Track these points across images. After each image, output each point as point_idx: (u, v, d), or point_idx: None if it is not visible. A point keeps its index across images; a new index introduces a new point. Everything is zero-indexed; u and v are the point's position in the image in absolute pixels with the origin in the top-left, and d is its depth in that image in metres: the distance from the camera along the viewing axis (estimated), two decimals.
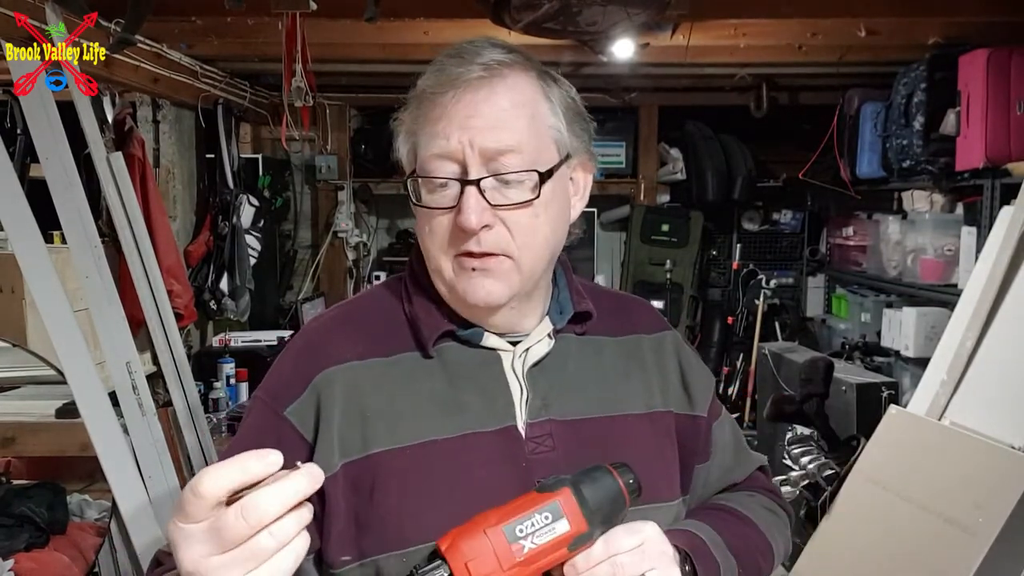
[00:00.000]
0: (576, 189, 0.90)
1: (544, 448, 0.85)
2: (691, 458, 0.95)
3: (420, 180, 0.84)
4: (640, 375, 0.94)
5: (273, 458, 0.60)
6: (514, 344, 0.89)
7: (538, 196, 0.82)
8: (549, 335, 0.90)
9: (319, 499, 0.81)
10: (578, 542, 0.74)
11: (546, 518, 0.73)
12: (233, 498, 0.59)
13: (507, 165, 0.81)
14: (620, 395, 0.92)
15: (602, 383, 0.91)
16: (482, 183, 0.80)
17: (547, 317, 0.92)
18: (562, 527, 0.73)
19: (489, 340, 0.88)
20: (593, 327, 0.94)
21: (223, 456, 0.81)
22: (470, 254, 0.82)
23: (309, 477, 0.60)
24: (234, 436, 0.90)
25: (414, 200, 0.85)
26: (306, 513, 0.61)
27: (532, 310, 0.90)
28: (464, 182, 0.80)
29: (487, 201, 0.80)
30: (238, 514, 0.58)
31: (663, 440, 0.93)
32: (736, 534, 0.92)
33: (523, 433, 0.86)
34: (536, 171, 0.81)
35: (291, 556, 0.60)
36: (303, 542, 0.61)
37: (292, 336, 0.97)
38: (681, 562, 0.82)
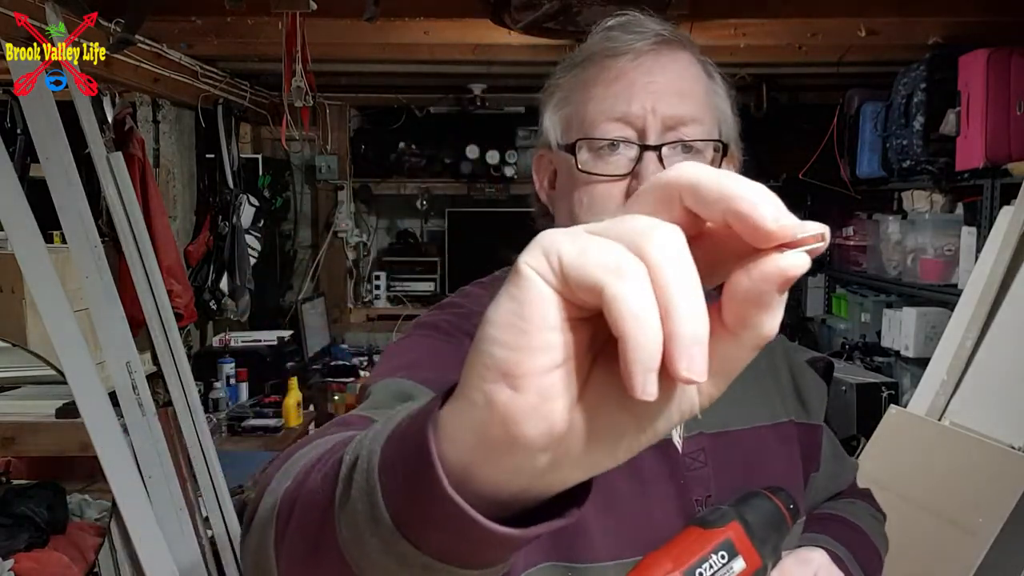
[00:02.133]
0: None
1: (698, 464, 0.80)
2: (808, 468, 0.91)
3: (588, 143, 0.77)
4: (760, 382, 0.88)
5: None
6: None
7: (719, 167, 0.76)
8: None
9: None
10: None
11: (722, 558, 0.67)
12: None
13: (688, 134, 0.77)
14: (750, 405, 0.86)
15: (734, 392, 0.81)
16: (663, 150, 0.75)
17: None
18: (739, 566, 0.68)
19: None
20: None
21: (404, 353, 0.77)
22: None
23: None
24: (414, 336, 0.82)
25: (579, 167, 0.78)
26: None
27: None
28: (644, 147, 0.76)
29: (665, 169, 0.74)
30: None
31: (790, 451, 0.88)
32: (858, 545, 0.89)
33: (680, 448, 0.80)
34: (721, 141, 0.78)
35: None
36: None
37: (457, 293, 0.88)
38: None
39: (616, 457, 0.36)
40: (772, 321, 0.33)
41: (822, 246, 0.35)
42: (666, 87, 0.76)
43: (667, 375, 0.30)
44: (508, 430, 0.32)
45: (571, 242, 0.32)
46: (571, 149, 0.78)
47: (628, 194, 0.76)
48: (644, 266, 0.31)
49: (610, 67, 0.77)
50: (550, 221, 0.86)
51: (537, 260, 0.32)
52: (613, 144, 0.76)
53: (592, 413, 0.34)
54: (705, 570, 0.67)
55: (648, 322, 0.30)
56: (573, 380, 0.33)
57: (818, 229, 0.35)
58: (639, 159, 0.75)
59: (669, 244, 0.32)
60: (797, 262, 0.33)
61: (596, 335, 0.33)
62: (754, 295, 0.32)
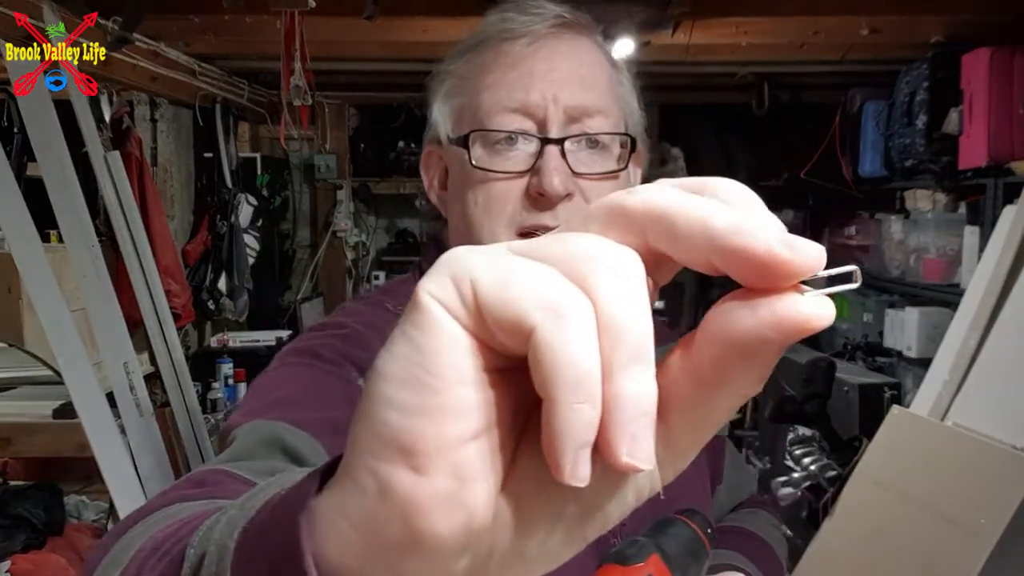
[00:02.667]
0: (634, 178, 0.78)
1: None
2: (714, 482, 0.87)
3: (483, 136, 0.69)
4: None
5: None
6: None
7: (625, 167, 0.71)
8: None
9: None
10: None
11: None
12: None
13: (592, 127, 0.69)
14: None
15: None
16: (565, 144, 0.68)
17: None
18: None
19: None
20: None
21: (299, 410, 0.64)
22: (537, 232, 0.67)
23: None
24: (284, 372, 0.74)
25: (473, 163, 0.70)
26: None
27: None
28: (546, 140, 0.68)
29: (570, 167, 0.68)
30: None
31: (699, 468, 0.82)
32: (764, 559, 0.85)
33: None
34: (628, 135, 0.71)
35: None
36: None
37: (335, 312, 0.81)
38: None
39: (557, 556, 0.28)
40: (760, 381, 0.25)
41: (853, 286, 0.27)
42: (568, 74, 0.69)
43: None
44: (411, 526, 0.24)
45: (491, 266, 0.24)
46: (464, 143, 0.70)
47: (528, 193, 0.68)
48: (588, 303, 0.23)
49: (507, 52, 0.70)
50: (442, 225, 0.79)
51: (444, 289, 0.24)
52: (511, 137, 0.69)
53: (524, 499, 0.25)
54: None
55: (586, 380, 0.23)
56: (498, 455, 0.25)
57: (847, 268, 0.27)
58: (540, 154, 0.68)
59: (624, 275, 0.24)
60: (823, 311, 0.25)
61: (528, 392, 0.24)
62: (751, 344, 0.24)
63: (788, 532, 1.06)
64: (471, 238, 0.71)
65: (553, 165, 0.67)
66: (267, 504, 0.30)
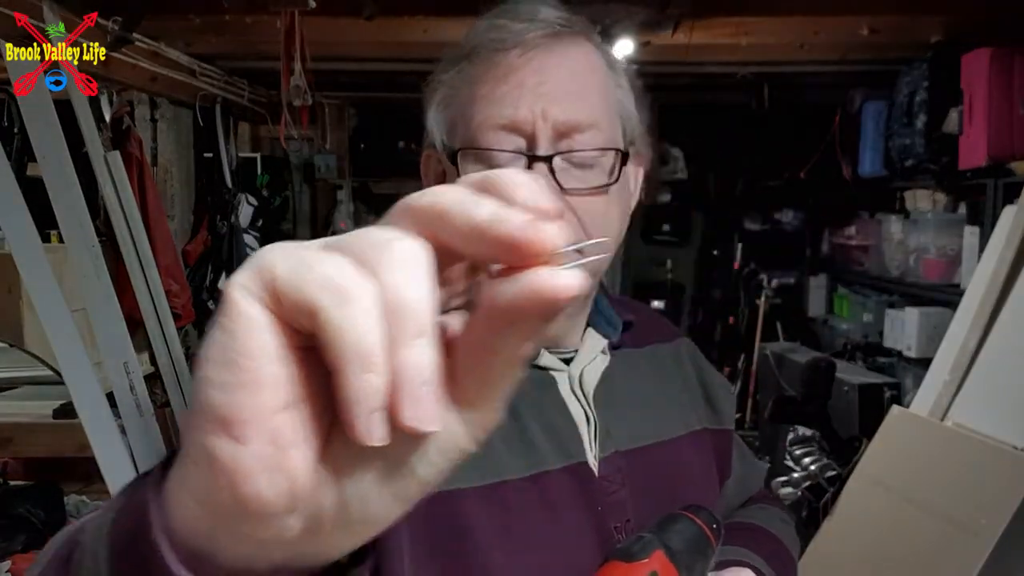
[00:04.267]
0: (634, 182, 0.77)
1: (615, 486, 0.73)
2: (722, 476, 0.86)
3: (474, 154, 0.68)
4: (669, 390, 0.83)
5: None
6: (567, 363, 0.76)
7: (616, 180, 0.69)
8: (604, 351, 0.77)
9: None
10: None
11: None
12: None
13: (582, 142, 0.68)
14: (663, 416, 0.80)
15: (647, 403, 0.80)
16: (554, 161, 0.67)
17: (590, 329, 0.78)
18: None
19: (543, 358, 0.74)
20: (623, 340, 0.81)
21: None
22: None
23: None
24: None
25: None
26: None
27: (580, 321, 0.77)
28: (533, 158, 0.67)
29: (558, 184, 0.67)
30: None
31: (706, 462, 0.83)
32: (775, 556, 0.84)
33: (595, 471, 0.73)
34: (618, 149, 0.69)
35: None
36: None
37: None
38: None
39: (383, 517, 0.30)
40: (531, 343, 0.28)
41: (602, 256, 0.29)
42: (559, 87, 0.67)
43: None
44: (236, 491, 0.27)
45: (289, 256, 0.27)
46: (454, 158, 0.70)
47: None
48: (374, 286, 0.26)
49: (498, 63, 0.68)
50: None
51: (249, 278, 0.27)
52: (516, 154, 0.68)
53: (342, 463, 0.28)
54: None
55: (370, 353, 0.25)
56: (314, 424, 0.28)
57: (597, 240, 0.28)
58: (529, 169, 0.66)
59: (408, 260, 0.27)
60: (568, 281, 0.27)
61: None
62: (513, 313, 0.27)
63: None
64: None
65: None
66: (128, 493, 0.34)
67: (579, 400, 0.75)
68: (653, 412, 0.80)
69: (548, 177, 0.67)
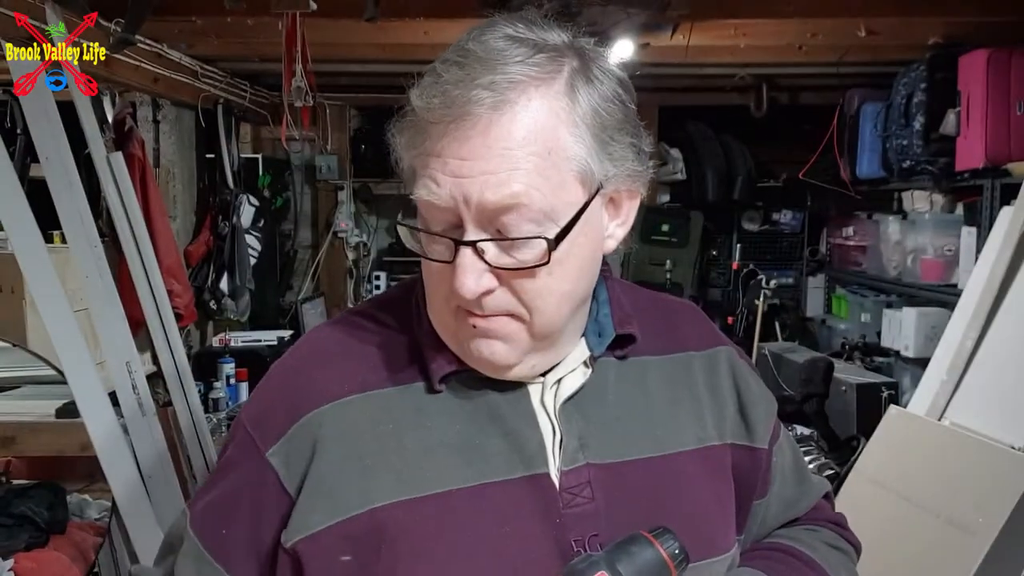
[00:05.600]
0: (617, 213, 0.74)
1: (582, 499, 0.71)
2: (749, 495, 0.82)
3: (410, 230, 0.70)
4: (691, 401, 0.79)
5: None
6: (544, 374, 0.74)
7: (547, 261, 0.66)
8: (585, 363, 0.76)
9: (293, 569, 0.70)
10: None
11: None
12: None
13: (510, 224, 0.65)
14: (669, 429, 0.77)
15: (648, 415, 0.77)
16: (478, 245, 0.66)
17: (583, 340, 0.76)
18: None
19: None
20: (636, 347, 0.79)
21: (205, 488, 0.78)
22: (471, 313, 0.69)
23: None
24: (215, 470, 0.79)
25: (411, 246, 0.72)
26: None
27: (560, 350, 0.75)
28: (457, 242, 0.66)
29: (486, 263, 0.66)
30: None
31: (718, 479, 0.79)
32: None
33: (557, 483, 0.71)
34: (543, 237, 0.65)
35: None
36: None
37: (291, 345, 0.84)
38: None
39: None
40: None
41: None
42: (483, 166, 0.64)
43: None
44: None
45: None
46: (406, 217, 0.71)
47: (449, 284, 0.67)
48: None
49: (426, 134, 0.67)
50: None
51: None
52: (435, 233, 0.68)
53: None
54: None
55: None
56: None
57: None
58: (456, 251, 0.66)
59: None
60: None
61: None
62: None
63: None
64: (427, 297, 0.74)
65: (464, 266, 0.65)
66: None
67: (546, 411, 0.74)
68: (651, 424, 0.77)
69: (474, 258, 0.66)
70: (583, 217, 0.67)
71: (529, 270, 0.66)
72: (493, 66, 0.65)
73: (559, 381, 0.75)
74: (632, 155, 0.71)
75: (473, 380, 0.73)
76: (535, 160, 0.64)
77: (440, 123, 0.65)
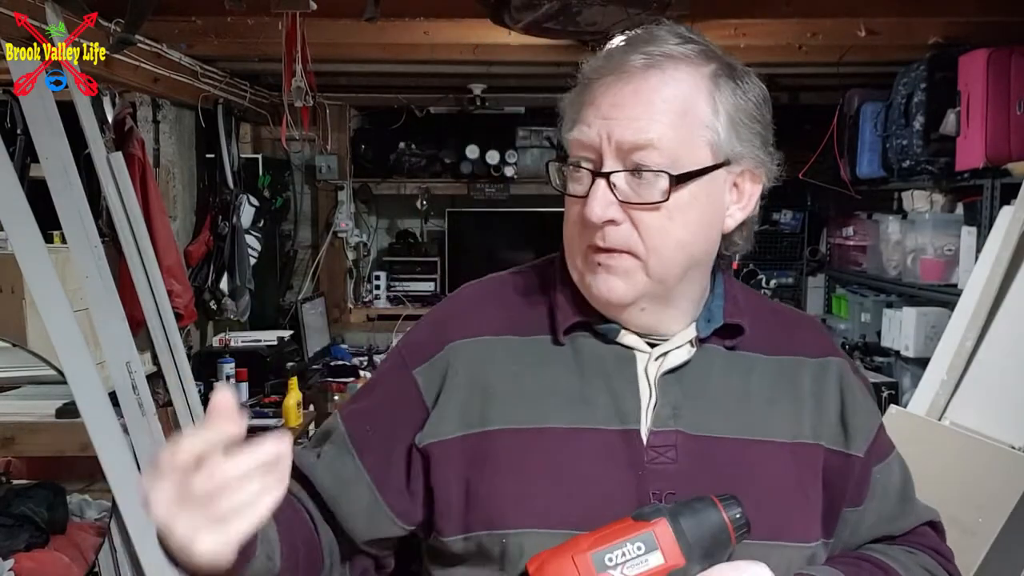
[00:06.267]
0: (739, 197, 0.84)
1: (665, 459, 0.80)
2: (839, 500, 0.86)
3: (559, 166, 0.83)
4: (792, 401, 0.86)
5: (236, 427, 0.63)
6: (653, 346, 0.85)
7: (667, 199, 0.77)
8: (691, 343, 0.85)
9: (423, 469, 0.83)
10: None
11: (639, 548, 0.69)
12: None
13: (643, 161, 0.77)
14: (763, 420, 0.84)
15: (745, 404, 0.84)
16: (612, 177, 0.77)
17: (694, 324, 0.86)
18: (655, 559, 0.69)
19: (626, 338, 0.85)
20: (747, 343, 0.87)
21: (358, 394, 0.94)
22: (597, 248, 0.80)
23: (274, 445, 0.64)
24: (367, 383, 0.95)
25: (554, 183, 0.84)
26: (272, 481, 0.64)
27: (673, 315, 0.85)
28: (596, 173, 0.78)
29: (616, 196, 0.78)
30: (203, 476, 0.62)
31: (806, 475, 0.84)
32: None
33: (645, 439, 0.81)
34: (667, 172, 0.76)
35: (250, 518, 0.63)
36: (263, 507, 0.63)
37: (444, 298, 0.99)
38: None
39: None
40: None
41: None
42: (629, 112, 0.77)
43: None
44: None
45: None
46: (556, 167, 0.84)
47: (581, 217, 0.79)
48: None
49: (589, 90, 0.80)
50: None
51: None
52: (579, 167, 0.80)
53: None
54: (618, 556, 0.69)
55: None
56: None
57: None
58: (593, 182, 0.78)
59: None
60: None
61: None
62: None
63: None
64: (565, 242, 0.85)
65: (595, 195, 0.77)
66: None
67: (647, 378, 0.84)
68: (747, 411, 0.84)
69: (606, 190, 0.77)
70: (706, 176, 0.79)
71: (652, 207, 0.77)
72: (653, 42, 0.79)
73: (664, 355, 0.84)
74: (759, 143, 0.83)
75: (590, 342, 0.85)
76: (672, 116, 0.77)
77: (601, 79, 0.79)
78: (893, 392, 2.83)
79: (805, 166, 3.86)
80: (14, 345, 2.40)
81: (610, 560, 0.69)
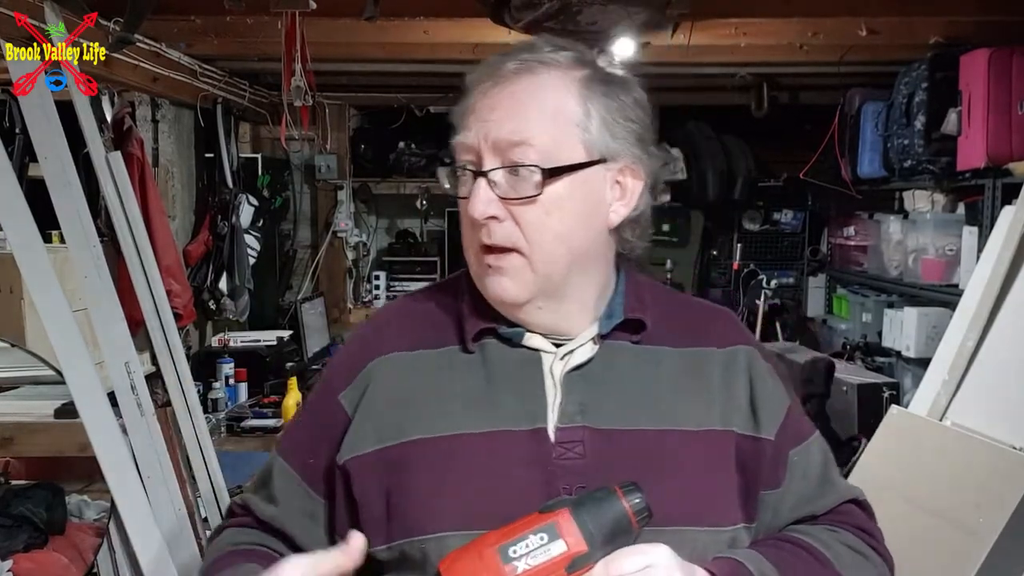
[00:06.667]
0: (623, 194, 0.88)
1: (573, 455, 0.84)
2: (755, 483, 0.89)
3: (448, 169, 0.88)
4: (701, 391, 0.89)
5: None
6: (559, 346, 0.89)
7: (540, 193, 0.82)
8: (593, 340, 0.89)
9: (344, 484, 0.87)
10: (576, 564, 0.73)
11: (542, 539, 0.73)
12: None
13: (518, 158, 0.82)
14: (672, 410, 0.87)
15: (653, 396, 0.88)
16: (491, 175, 0.82)
17: (596, 324, 0.90)
18: (558, 548, 0.72)
19: (532, 340, 0.89)
20: (653, 336, 0.90)
21: (292, 425, 1.00)
22: (487, 249, 0.84)
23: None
24: (300, 411, 1.01)
25: (448, 188, 0.89)
26: None
27: (572, 313, 0.89)
28: (476, 173, 0.83)
29: (495, 193, 0.82)
30: None
31: (718, 461, 0.87)
32: (797, 569, 0.85)
33: (552, 437, 0.84)
34: (539, 167, 0.81)
35: None
36: None
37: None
38: None
39: None
40: None
41: None
42: (500, 114, 0.82)
43: None
44: None
45: None
46: (447, 171, 0.89)
47: (466, 216, 0.84)
48: None
49: (470, 96, 0.85)
50: None
51: None
52: (464, 169, 0.85)
53: None
54: (522, 548, 0.72)
55: None
56: None
57: None
58: (474, 182, 0.83)
59: None
60: None
61: None
62: None
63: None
64: (463, 243, 0.89)
65: (475, 193, 0.82)
66: None
67: (553, 378, 0.87)
68: (654, 403, 0.87)
69: (486, 188, 0.82)
70: (581, 172, 0.83)
71: (528, 201, 0.82)
72: (528, 51, 0.85)
73: (570, 353, 0.88)
74: (634, 140, 0.87)
75: (497, 347, 0.89)
76: (543, 116, 0.82)
77: (479, 86, 0.84)
78: (894, 392, 2.82)
79: (806, 166, 3.86)
80: (12, 345, 2.40)
81: (515, 552, 0.72)
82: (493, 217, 0.82)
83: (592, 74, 0.85)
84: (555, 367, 0.87)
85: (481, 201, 0.82)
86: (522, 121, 0.82)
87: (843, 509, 0.96)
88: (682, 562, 0.76)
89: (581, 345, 0.88)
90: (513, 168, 0.82)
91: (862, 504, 0.98)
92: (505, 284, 0.84)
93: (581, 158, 0.83)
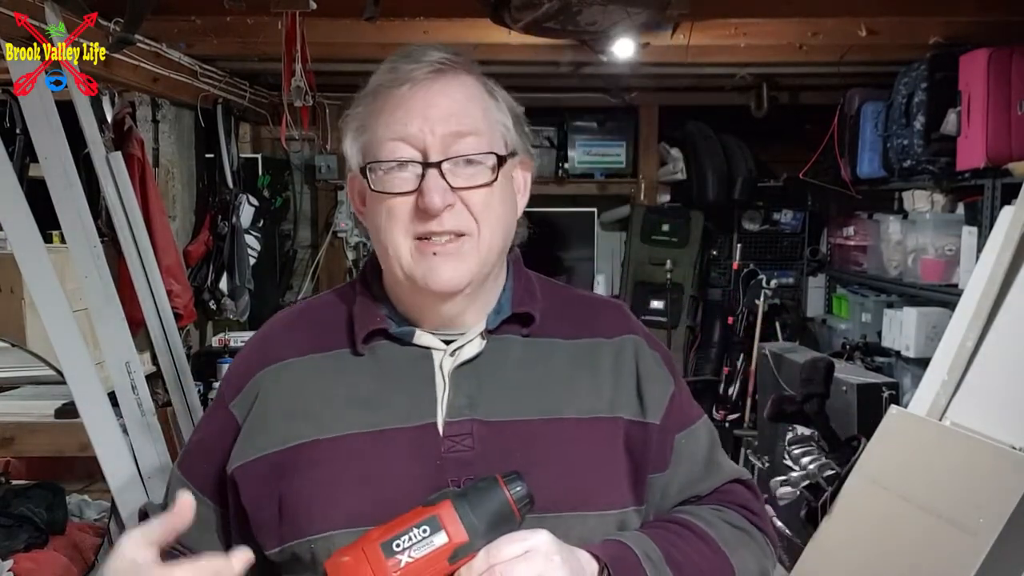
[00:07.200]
0: (521, 187, 0.94)
1: (462, 447, 0.86)
2: (643, 467, 0.92)
3: (376, 165, 0.86)
4: (591, 380, 0.92)
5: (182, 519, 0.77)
6: (449, 343, 0.91)
7: (496, 178, 0.86)
8: (481, 335, 0.91)
9: (235, 491, 0.88)
10: (459, 554, 0.74)
11: (424, 531, 0.74)
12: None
13: (467, 147, 0.85)
14: (561, 399, 0.90)
15: (542, 386, 0.90)
16: (443, 165, 0.84)
17: (485, 316, 0.92)
18: (440, 539, 0.74)
19: (422, 339, 0.91)
20: (542, 329, 0.93)
21: (190, 438, 1.00)
22: (430, 237, 0.85)
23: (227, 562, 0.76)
24: (197, 424, 1.02)
25: (371, 187, 0.87)
26: None
27: (477, 304, 0.91)
28: (426, 164, 0.84)
29: (447, 183, 0.84)
30: None
31: (607, 447, 0.90)
32: (681, 548, 0.88)
33: (441, 431, 0.86)
34: (495, 153, 0.86)
35: None
36: None
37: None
38: (600, 572, 0.81)
39: None
40: None
41: None
42: (444, 108, 0.85)
43: None
44: None
45: None
46: (364, 172, 0.87)
47: (416, 208, 0.84)
48: None
49: (393, 95, 0.86)
50: (366, 232, 0.97)
51: None
52: (401, 164, 0.85)
53: None
54: (404, 541, 0.74)
55: None
56: None
57: None
58: (423, 175, 0.84)
59: None
60: None
61: None
62: None
63: (774, 532, 1.01)
64: (381, 244, 0.88)
65: (431, 185, 0.83)
66: None
67: (442, 373, 0.89)
68: (543, 393, 0.89)
69: (439, 178, 0.83)
70: (508, 163, 0.88)
71: (484, 187, 0.85)
72: (429, 55, 0.87)
73: (458, 349, 0.90)
74: (527, 140, 0.93)
75: (388, 348, 0.90)
76: (479, 109, 0.87)
77: (395, 88, 0.86)
78: (894, 392, 2.82)
79: (806, 166, 3.86)
80: (13, 345, 2.40)
81: (398, 546, 0.73)
82: (450, 205, 0.84)
83: (481, 76, 0.91)
84: (445, 363, 0.89)
85: (439, 192, 0.83)
86: (465, 116, 0.85)
87: (727, 489, 0.99)
88: (563, 545, 0.78)
89: (470, 341, 0.90)
90: (467, 157, 0.85)
91: (747, 484, 1.02)
92: (455, 266, 0.85)
93: (504, 151, 0.88)
